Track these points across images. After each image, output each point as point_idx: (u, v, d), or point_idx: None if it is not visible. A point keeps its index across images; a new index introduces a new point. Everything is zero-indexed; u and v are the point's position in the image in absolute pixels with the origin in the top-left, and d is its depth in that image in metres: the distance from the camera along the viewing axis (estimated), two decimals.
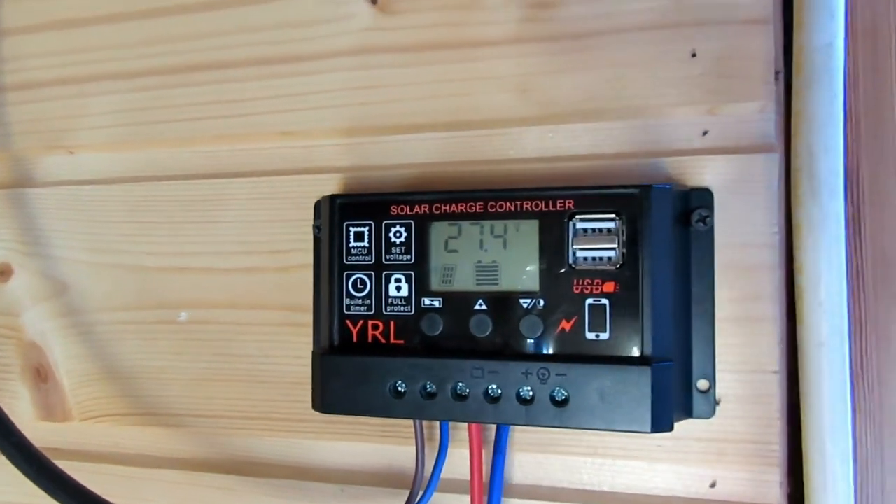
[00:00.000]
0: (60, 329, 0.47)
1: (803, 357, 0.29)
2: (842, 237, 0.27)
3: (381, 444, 0.41)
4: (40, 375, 0.48)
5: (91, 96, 0.47)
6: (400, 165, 0.41)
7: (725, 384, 0.36)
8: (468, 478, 0.37)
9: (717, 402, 0.36)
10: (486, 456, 0.38)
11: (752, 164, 0.36)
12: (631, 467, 0.38)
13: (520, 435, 0.38)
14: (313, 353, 0.38)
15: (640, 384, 0.32)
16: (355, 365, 0.36)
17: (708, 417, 0.36)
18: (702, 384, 0.36)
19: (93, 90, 0.47)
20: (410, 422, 0.38)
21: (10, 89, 0.48)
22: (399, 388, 0.35)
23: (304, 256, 0.42)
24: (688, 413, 0.36)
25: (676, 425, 0.35)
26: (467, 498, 0.37)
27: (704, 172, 0.36)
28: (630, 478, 0.38)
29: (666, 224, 0.34)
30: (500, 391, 0.34)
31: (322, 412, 0.37)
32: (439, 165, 0.40)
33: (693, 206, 0.36)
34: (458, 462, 0.38)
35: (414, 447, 0.38)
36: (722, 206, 0.36)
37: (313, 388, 0.37)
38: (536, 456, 0.39)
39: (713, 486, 0.36)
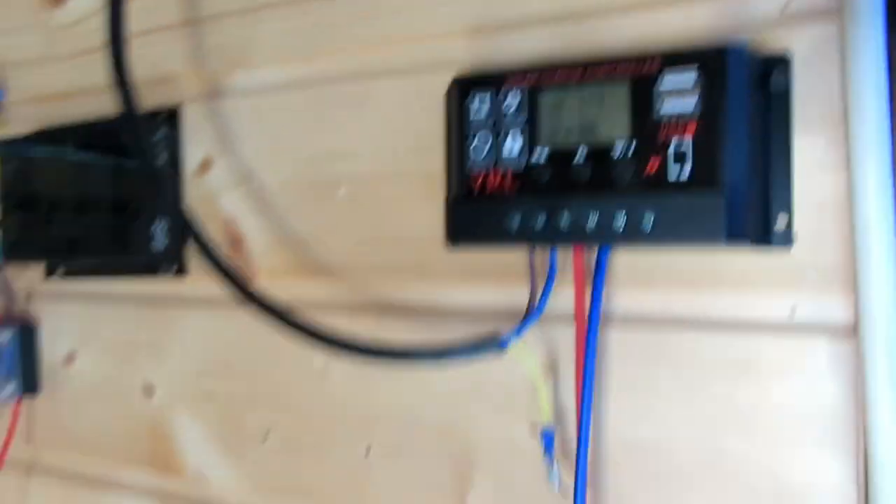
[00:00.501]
0: (249, 208, 0.59)
1: (853, 166, 0.33)
2: (882, 60, 0.31)
3: (502, 287, 0.49)
4: (235, 244, 0.60)
5: (265, 22, 0.58)
6: (519, 59, 0.48)
7: (803, 219, 0.41)
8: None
9: (794, 236, 0.41)
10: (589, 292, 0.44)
11: (828, 32, 0.40)
12: (718, 293, 0.43)
13: (619, 269, 0.45)
14: (445, 199, 0.46)
15: (715, 205, 0.38)
16: (479, 206, 0.44)
17: (787, 247, 0.41)
18: (781, 218, 0.41)
19: (267, 16, 0.58)
20: (526, 268, 0.45)
21: (205, 21, 0.60)
22: (514, 223, 0.43)
23: (439, 136, 0.49)
24: (768, 241, 0.41)
25: (759, 256, 0.41)
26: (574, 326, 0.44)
27: (786, 41, 0.41)
28: (721, 302, 0.42)
29: (741, 77, 0.39)
30: (598, 221, 0.41)
31: (453, 244, 0.45)
32: (552, 55, 0.47)
33: (772, 68, 0.41)
34: (566, 299, 0.45)
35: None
36: (801, 68, 0.40)
37: (446, 227, 0.45)
38: (633, 291, 0.45)
39: (793, 311, 0.41)
